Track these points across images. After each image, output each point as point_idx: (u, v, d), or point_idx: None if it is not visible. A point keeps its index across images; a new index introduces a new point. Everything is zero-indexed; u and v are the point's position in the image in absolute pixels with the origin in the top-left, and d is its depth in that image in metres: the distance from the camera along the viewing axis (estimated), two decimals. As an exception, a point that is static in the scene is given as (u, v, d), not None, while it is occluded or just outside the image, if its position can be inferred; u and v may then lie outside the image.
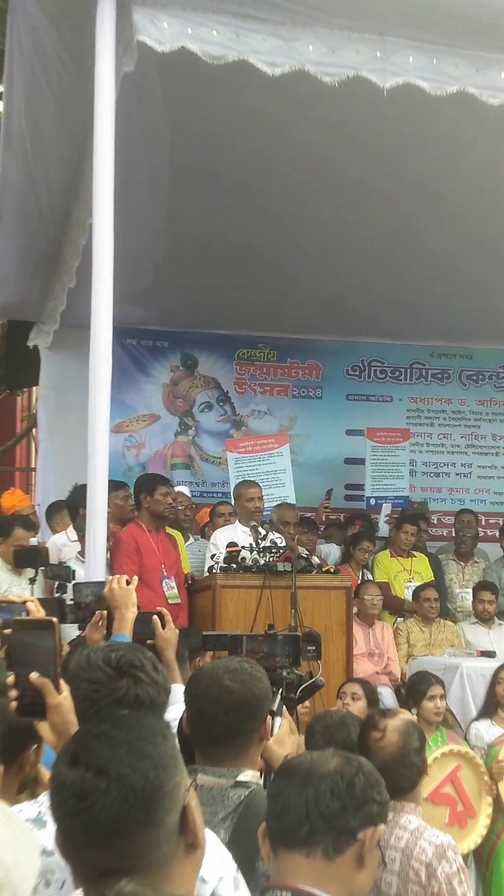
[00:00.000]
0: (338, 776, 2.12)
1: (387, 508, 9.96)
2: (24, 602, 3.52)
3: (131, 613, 3.59)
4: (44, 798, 2.50)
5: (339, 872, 2.05)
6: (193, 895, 1.77)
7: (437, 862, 3.37)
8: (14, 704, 2.27)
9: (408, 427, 10.87)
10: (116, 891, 1.32)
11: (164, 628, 3.72)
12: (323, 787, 2.10)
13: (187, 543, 8.46)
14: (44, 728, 2.27)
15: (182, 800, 1.72)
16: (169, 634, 3.72)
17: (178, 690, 3.17)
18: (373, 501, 10.11)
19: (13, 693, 2.29)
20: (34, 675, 2.24)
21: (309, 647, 3.97)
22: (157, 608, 3.94)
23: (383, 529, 9.80)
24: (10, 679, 2.28)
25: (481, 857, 6.27)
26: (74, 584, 4.41)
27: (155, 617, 3.73)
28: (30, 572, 6.71)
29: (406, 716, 3.76)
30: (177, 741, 1.81)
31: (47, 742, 2.28)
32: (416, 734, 3.63)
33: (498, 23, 5.38)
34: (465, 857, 5.96)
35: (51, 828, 2.28)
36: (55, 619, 2.36)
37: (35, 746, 2.52)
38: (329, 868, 2.04)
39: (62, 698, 2.25)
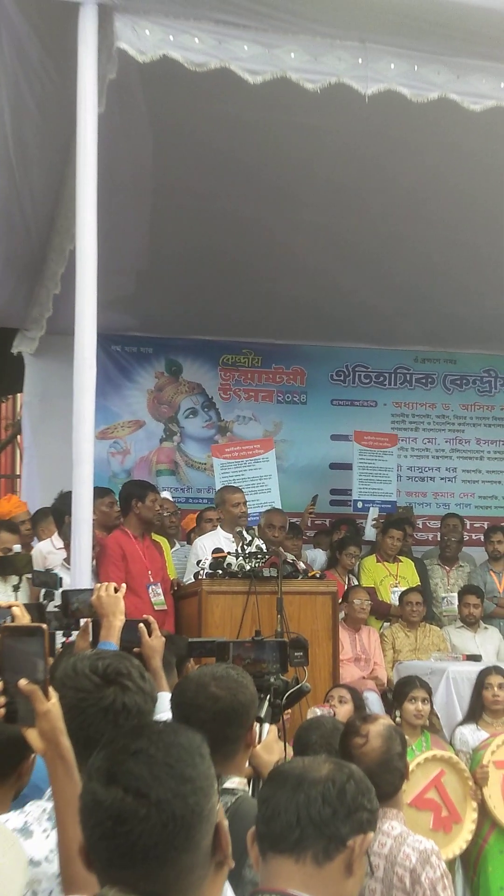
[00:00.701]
0: (329, 783, 2.12)
1: (374, 512, 9.97)
2: (10, 607, 3.51)
3: (119, 621, 3.58)
4: (30, 808, 2.50)
5: (328, 879, 2.05)
6: None
7: (422, 867, 3.37)
8: (1, 712, 2.26)
9: (395, 433, 10.89)
10: None
11: (150, 636, 3.72)
12: (314, 793, 2.09)
13: (173, 550, 8.46)
14: (32, 735, 2.25)
15: (216, 819, 1.70)
16: (155, 642, 3.72)
17: (164, 699, 3.16)
18: (360, 505, 10.11)
19: (1, 700, 2.28)
20: (23, 682, 2.23)
21: (296, 653, 3.97)
22: (144, 616, 3.93)
23: (370, 533, 9.81)
24: None
25: (468, 862, 6.28)
26: (63, 592, 4.40)
27: (141, 625, 3.72)
28: (14, 579, 6.69)
29: (387, 721, 3.76)
30: (209, 758, 1.77)
31: (35, 750, 2.26)
32: (398, 739, 3.63)
33: (478, 30, 5.40)
34: (451, 863, 5.98)
35: (37, 838, 2.28)
36: (44, 626, 2.35)
37: (33, 756, 2.51)
38: (318, 874, 2.04)
39: (51, 705, 2.24)
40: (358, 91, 5.36)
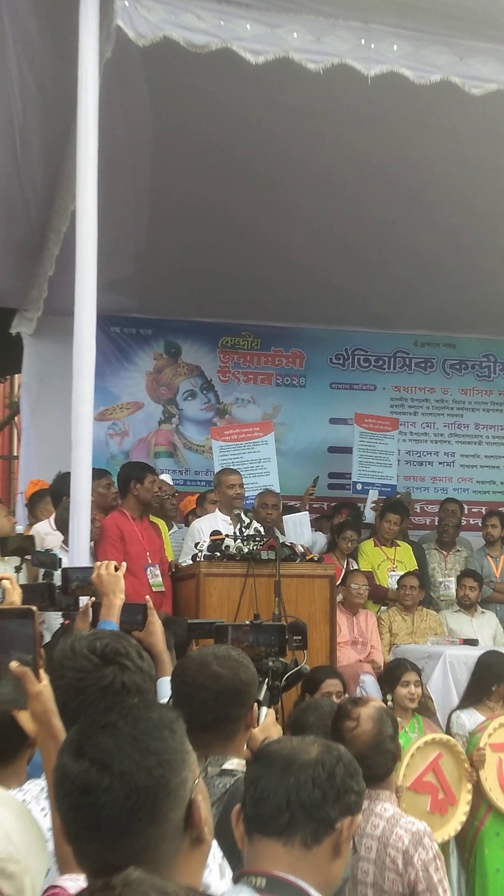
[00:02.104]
0: (318, 766, 2.11)
1: (373, 495, 9.96)
2: (0, 580, 3.52)
3: (119, 600, 3.57)
4: (28, 786, 2.50)
5: (315, 861, 2.05)
6: (199, 887, 1.76)
7: (414, 849, 3.39)
8: None
9: (396, 416, 10.87)
10: (123, 878, 1.32)
11: (149, 619, 3.71)
12: (304, 776, 2.08)
13: (171, 532, 8.46)
14: (24, 717, 2.26)
15: (189, 795, 1.70)
16: (156, 627, 3.71)
17: (165, 685, 3.16)
18: (359, 487, 10.11)
19: None
20: (14, 664, 2.23)
21: (295, 637, 3.97)
22: (146, 598, 3.93)
23: (370, 516, 9.80)
24: None
25: (464, 844, 6.30)
26: (63, 569, 4.40)
27: (148, 609, 3.71)
28: (15, 560, 6.69)
29: (378, 703, 3.76)
30: (185, 735, 1.79)
31: (28, 731, 2.27)
32: (389, 721, 3.63)
33: (482, 11, 5.38)
34: (446, 844, 6.00)
35: (36, 816, 2.28)
36: (34, 608, 2.34)
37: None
38: (306, 857, 2.04)
39: (42, 686, 2.24)
40: (360, 73, 5.34)
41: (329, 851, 2.07)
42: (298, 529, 8.62)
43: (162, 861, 1.64)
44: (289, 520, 8.70)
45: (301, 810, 2.05)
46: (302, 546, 7.20)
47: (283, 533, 8.31)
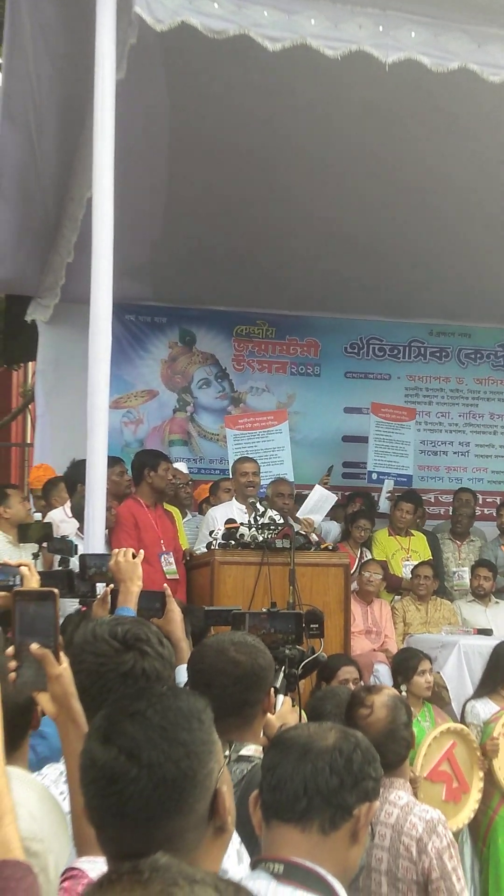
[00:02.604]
0: (336, 752, 2.10)
1: (389, 485, 9.93)
2: (19, 566, 3.53)
3: (136, 587, 3.58)
4: (47, 770, 2.52)
5: (333, 847, 2.05)
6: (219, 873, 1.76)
7: (428, 837, 3.39)
8: (13, 676, 2.26)
9: (413, 407, 10.85)
10: (151, 863, 1.32)
11: (168, 607, 3.71)
12: (321, 763, 2.08)
13: (185, 520, 8.46)
14: (44, 699, 2.26)
15: (214, 785, 1.70)
16: (175, 615, 3.71)
17: (181, 672, 3.16)
18: (374, 476, 10.09)
19: (12, 664, 2.29)
20: (34, 646, 2.24)
21: (312, 625, 3.97)
22: (164, 586, 3.93)
23: (384, 506, 9.79)
24: (10, 650, 2.28)
25: (478, 833, 6.31)
26: (80, 556, 4.41)
27: (167, 597, 3.71)
28: (33, 547, 6.71)
29: (392, 691, 3.77)
30: (213, 724, 1.78)
31: (47, 713, 2.28)
32: (403, 709, 3.63)
33: (501, -2, 5.35)
34: (459, 833, 6.01)
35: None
36: (55, 590, 2.35)
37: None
38: (324, 843, 2.04)
39: (62, 669, 2.25)
40: (378, 59, 5.32)
41: (347, 838, 2.07)
42: (319, 505, 8.53)
43: (185, 849, 1.64)
44: (317, 491, 8.63)
45: (318, 797, 2.05)
46: (316, 535, 7.20)
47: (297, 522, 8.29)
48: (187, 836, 1.65)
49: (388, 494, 9.81)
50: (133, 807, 1.62)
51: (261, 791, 2.13)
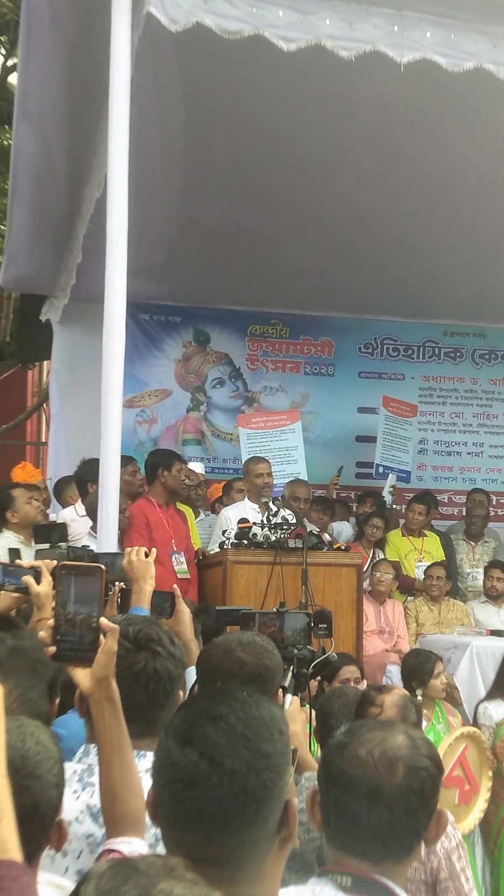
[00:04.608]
0: (410, 793, 2.00)
1: (392, 479, 9.91)
2: (32, 567, 3.53)
3: (149, 586, 3.58)
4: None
5: (405, 867, 2.03)
6: (278, 887, 1.72)
7: (436, 837, 3.38)
8: (52, 649, 2.20)
9: (419, 404, 10.84)
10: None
11: (177, 608, 3.71)
12: (398, 810, 1.98)
13: (198, 519, 8.47)
14: (81, 675, 2.19)
15: (286, 796, 1.68)
16: (185, 615, 3.71)
17: (191, 674, 3.17)
18: (381, 470, 10.08)
19: (48, 639, 2.22)
20: (104, 620, 2.18)
21: (320, 625, 3.97)
22: (174, 587, 3.94)
23: (387, 500, 9.76)
24: (51, 622, 2.21)
25: (489, 835, 6.29)
26: (93, 555, 4.41)
27: (176, 597, 3.71)
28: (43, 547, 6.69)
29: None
30: (290, 734, 1.75)
31: (83, 689, 2.20)
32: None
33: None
34: (471, 833, 6.00)
35: (67, 799, 2.27)
36: (102, 566, 2.28)
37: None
38: (397, 867, 2.00)
39: (112, 644, 2.20)
40: (392, 60, 5.31)
41: (417, 852, 2.04)
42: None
43: (253, 858, 1.62)
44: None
45: (395, 843, 1.98)
46: (329, 535, 7.19)
47: (312, 524, 8.29)
48: (258, 845, 1.63)
49: (391, 489, 9.77)
50: (210, 813, 1.59)
51: (324, 819, 2.04)
